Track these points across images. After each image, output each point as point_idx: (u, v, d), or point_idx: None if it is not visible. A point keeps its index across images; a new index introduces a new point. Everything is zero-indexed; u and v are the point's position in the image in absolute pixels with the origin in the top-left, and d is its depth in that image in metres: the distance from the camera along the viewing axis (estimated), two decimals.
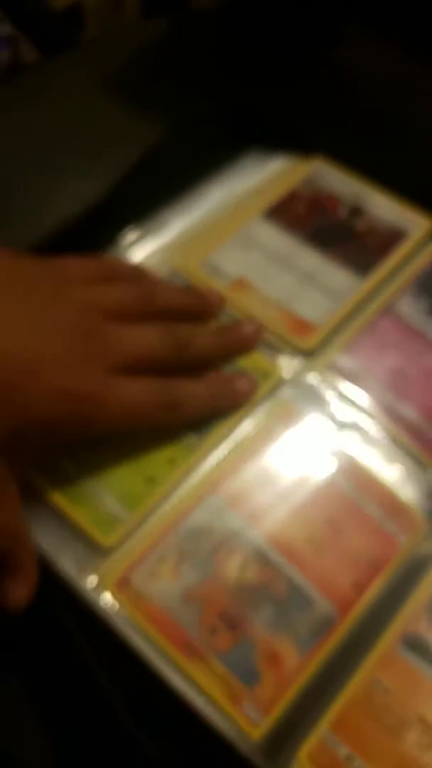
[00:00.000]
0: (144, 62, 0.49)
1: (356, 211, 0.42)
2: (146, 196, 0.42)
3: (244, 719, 0.29)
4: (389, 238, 0.41)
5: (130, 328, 0.33)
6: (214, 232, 0.41)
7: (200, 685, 0.29)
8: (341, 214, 0.42)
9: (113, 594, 0.30)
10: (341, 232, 0.41)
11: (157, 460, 0.33)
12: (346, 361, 0.37)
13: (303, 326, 0.38)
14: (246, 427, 0.35)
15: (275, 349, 0.37)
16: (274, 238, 0.41)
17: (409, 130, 0.46)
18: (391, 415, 0.36)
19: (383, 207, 0.42)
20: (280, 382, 0.36)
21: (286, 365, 0.37)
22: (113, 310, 0.33)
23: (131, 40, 0.51)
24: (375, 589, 0.32)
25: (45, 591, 0.30)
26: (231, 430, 0.35)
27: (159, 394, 0.33)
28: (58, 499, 0.32)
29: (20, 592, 0.30)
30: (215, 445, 0.34)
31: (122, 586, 0.30)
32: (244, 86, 0.48)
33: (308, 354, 0.37)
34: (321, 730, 0.28)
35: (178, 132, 0.45)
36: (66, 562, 0.31)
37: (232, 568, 0.31)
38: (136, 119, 0.45)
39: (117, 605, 0.30)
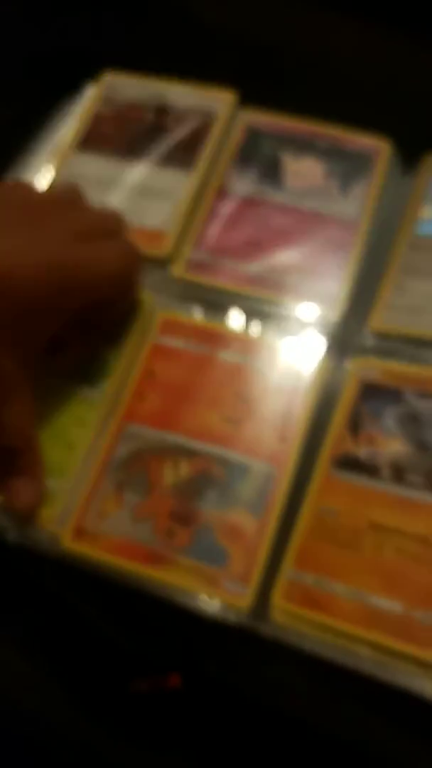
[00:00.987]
0: None
1: (161, 111, 0.42)
2: None
3: (228, 596, 0.31)
4: (200, 125, 0.41)
5: (77, 205, 0.36)
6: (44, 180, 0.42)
7: (176, 584, 0.31)
8: (148, 119, 0.42)
9: (74, 546, 0.32)
10: (154, 137, 0.41)
11: (70, 424, 0.35)
12: (200, 254, 0.38)
13: (153, 236, 0.39)
14: (138, 351, 0.36)
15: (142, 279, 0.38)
16: (93, 165, 0.41)
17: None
18: (258, 282, 0.37)
19: (186, 96, 0.43)
20: (150, 306, 0.37)
21: (153, 283, 0.38)
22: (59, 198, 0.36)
23: None
24: (300, 434, 0.34)
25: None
26: (126, 365, 0.36)
27: (119, 248, 0.35)
28: None
29: (30, 493, 0.33)
30: (118, 387, 0.35)
31: (79, 536, 0.32)
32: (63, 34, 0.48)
33: (166, 262, 0.38)
34: (285, 570, 0.31)
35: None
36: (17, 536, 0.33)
37: (167, 474, 0.33)
38: None
39: (80, 553, 0.32)
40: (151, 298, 0.37)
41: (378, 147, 0.40)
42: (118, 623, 0.32)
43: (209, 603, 0.31)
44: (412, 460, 0.32)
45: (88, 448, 0.34)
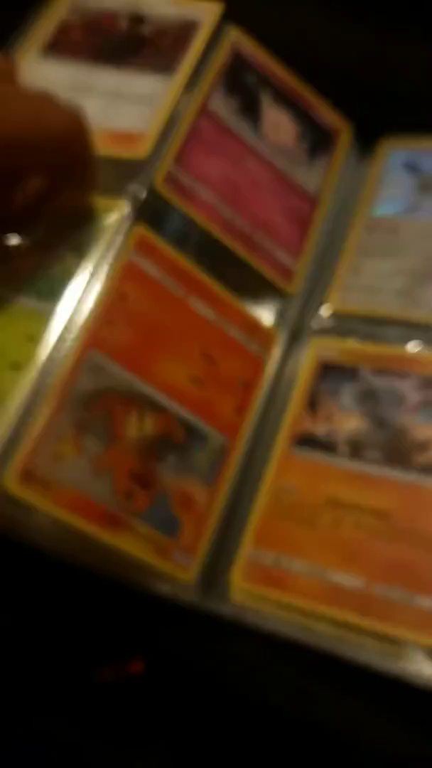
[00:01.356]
0: None
1: (137, 20, 0.38)
2: None
3: (173, 567, 0.30)
4: (182, 33, 0.37)
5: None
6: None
7: (128, 552, 0.29)
8: (122, 28, 0.38)
9: (19, 490, 0.28)
10: (129, 45, 0.37)
11: (15, 341, 0.30)
12: (179, 173, 0.34)
13: (129, 138, 0.34)
14: (103, 268, 0.31)
15: (113, 185, 0.33)
16: (60, 72, 0.36)
17: None
18: (230, 230, 0.35)
19: (165, 5, 0.38)
20: (124, 215, 0.32)
21: (126, 193, 0.33)
22: None
23: None
24: (255, 407, 0.33)
25: None
26: (84, 281, 0.31)
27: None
28: None
29: None
30: (75, 300, 0.31)
31: (27, 480, 0.28)
32: None
33: (143, 168, 0.33)
34: (244, 549, 0.30)
35: None
36: None
37: (131, 425, 0.31)
38: None
39: (27, 502, 0.28)
40: (122, 207, 0.32)
41: (341, 126, 0.40)
42: (68, 592, 0.29)
43: (160, 579, 0.29)
44: (369, 436, 0.32)
45: (40, 371, 0.29)
